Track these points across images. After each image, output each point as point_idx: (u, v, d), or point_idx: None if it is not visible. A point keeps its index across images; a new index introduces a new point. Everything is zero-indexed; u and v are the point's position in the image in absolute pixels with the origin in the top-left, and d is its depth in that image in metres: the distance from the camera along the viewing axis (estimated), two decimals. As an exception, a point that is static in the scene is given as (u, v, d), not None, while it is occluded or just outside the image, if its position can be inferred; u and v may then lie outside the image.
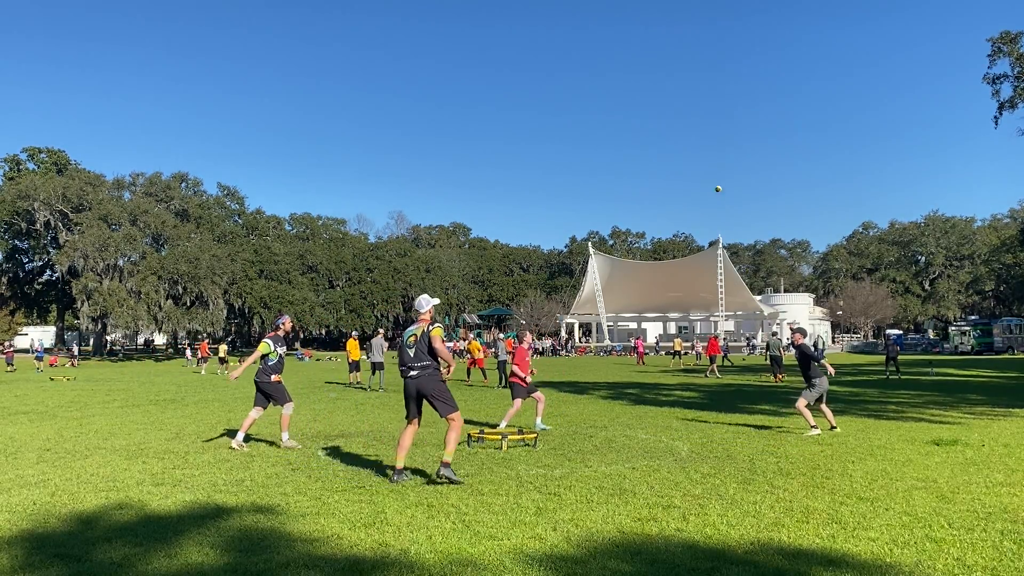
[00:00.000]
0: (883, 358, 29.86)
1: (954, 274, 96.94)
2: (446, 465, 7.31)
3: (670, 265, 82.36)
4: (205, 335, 62.27)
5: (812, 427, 10.82)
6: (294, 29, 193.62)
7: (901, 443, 9.94)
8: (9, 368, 39.36)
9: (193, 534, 5.54)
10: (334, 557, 4.94)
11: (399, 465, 7.52)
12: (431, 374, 7.46)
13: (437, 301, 8.00)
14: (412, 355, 7.50)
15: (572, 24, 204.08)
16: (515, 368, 11.79)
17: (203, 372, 35.54)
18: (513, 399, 11.81)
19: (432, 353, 7.48)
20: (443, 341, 7.64)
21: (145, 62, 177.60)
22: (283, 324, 10.65)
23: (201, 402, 17.82)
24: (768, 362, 27.72)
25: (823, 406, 11.28)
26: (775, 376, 25.38)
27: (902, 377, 26.10)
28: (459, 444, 9.90)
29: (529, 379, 11.86)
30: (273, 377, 10.15)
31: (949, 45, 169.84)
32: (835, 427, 11.23)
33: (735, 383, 24.55)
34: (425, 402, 7.59)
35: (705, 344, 36.87)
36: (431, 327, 7.54)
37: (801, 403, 11.00)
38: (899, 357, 28.72)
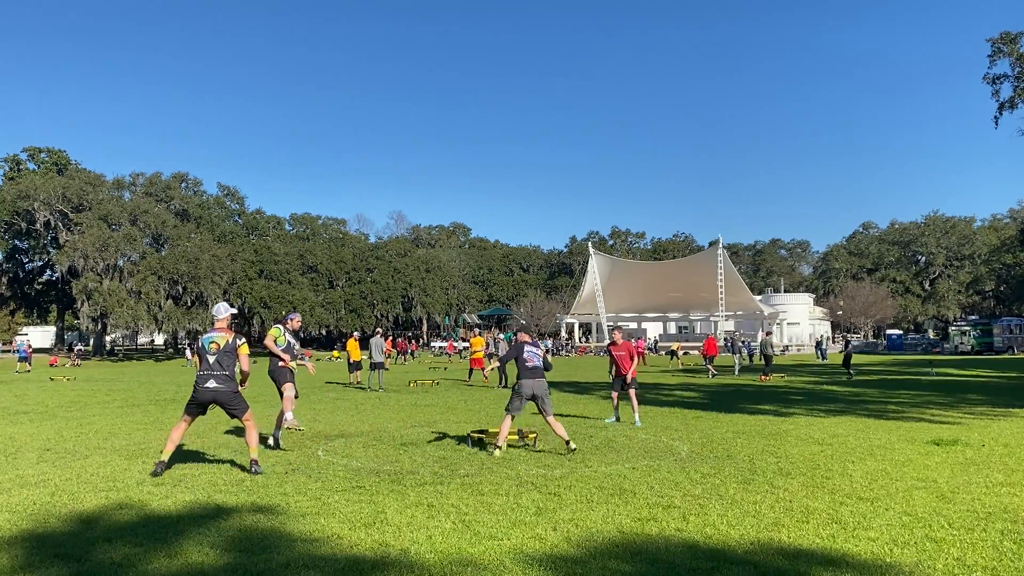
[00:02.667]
0: (884, 359, 29.98)
1: (954, 274, 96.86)
2: (255, 461, 7.88)
3: (670, 265, 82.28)
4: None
5: (496, 447, 8.98)
6: (294, 30, 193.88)
7: (901, 443, 9.94)
8: (26, 367, 39.08)
9: (193, 534, 5.54)
10: (334, 557, 4.94)
11: (166, 458, 7.90)
12: (232, 382, 7.86)
13: (235, 311, 8.32)
14: (212, 363, 7.79)
15: (572, 26, 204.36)
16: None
17: None
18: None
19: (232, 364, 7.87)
20: (248, 357, 8.06)
21: (145, 63, 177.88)
22: (291, 320, 10.83)
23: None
24: (762, 362, 27.99)
25: (551, 419, 9.22)
26: (760, 376, 25.62)
27: (853, 378, 25.85)
28: (460, 444, 9.92)
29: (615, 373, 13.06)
30: (280, 363, 10.15)
31: (949, 46, 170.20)
32: (570, 442, 9.09)
33: (735, 383, 24.56)
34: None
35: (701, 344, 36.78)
36: (239, 340, 7.94)
37: (506, 418, 9.22)
38: (899, 357, 28.85)
